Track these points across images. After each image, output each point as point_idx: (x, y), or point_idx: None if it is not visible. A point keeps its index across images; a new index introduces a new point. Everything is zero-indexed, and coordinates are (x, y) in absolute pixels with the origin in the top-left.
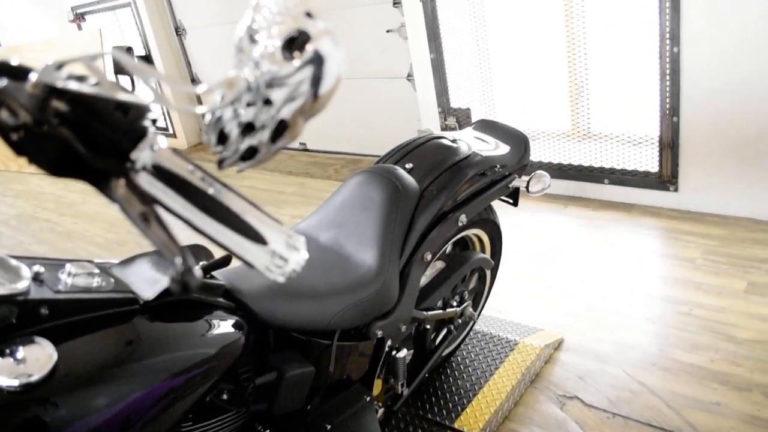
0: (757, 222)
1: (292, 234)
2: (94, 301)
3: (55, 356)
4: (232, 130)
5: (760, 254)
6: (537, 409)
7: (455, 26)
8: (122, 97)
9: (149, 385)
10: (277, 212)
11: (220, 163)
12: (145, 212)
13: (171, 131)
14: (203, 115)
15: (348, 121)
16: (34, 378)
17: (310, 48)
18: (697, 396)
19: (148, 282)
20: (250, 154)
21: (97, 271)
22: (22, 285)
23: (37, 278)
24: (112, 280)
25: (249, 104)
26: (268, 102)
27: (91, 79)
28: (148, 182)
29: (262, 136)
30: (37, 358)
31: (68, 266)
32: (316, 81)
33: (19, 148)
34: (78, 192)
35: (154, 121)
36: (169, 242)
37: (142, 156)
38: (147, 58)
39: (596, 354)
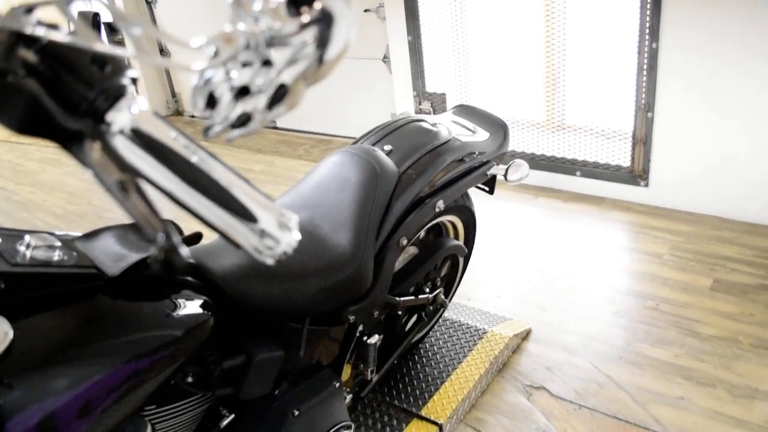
0: (723, 220)
1: (284, 212)
2: (55, 276)
3: (11, 334)
4: (224, 93)
5: (726, 252)
6: (504, 399)
7: (434, 9)
8: (101, 48)
9: (111, 366)
10: None
11: (207, 131)
12: (124, 180)
13: None
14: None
15: (320, 100)
16: None
17: (318, 5)
18: (662, 390)
19: (114, 257)
20: (241, 121)
21: (58, 243)
22: None
23: None
24: (75, 254)
25: (245, 64)
26: (267, 63)
27: (64, 28)
28: (125, 147)
29: (258, 102)
30: None
31: (27, 237)
32: (322, 43)
33: None
34: (36, 160)
35: (134, 80)
36: (150, 216)
37: (119, 118)
38: (114, 27)
39: (564, 345)
